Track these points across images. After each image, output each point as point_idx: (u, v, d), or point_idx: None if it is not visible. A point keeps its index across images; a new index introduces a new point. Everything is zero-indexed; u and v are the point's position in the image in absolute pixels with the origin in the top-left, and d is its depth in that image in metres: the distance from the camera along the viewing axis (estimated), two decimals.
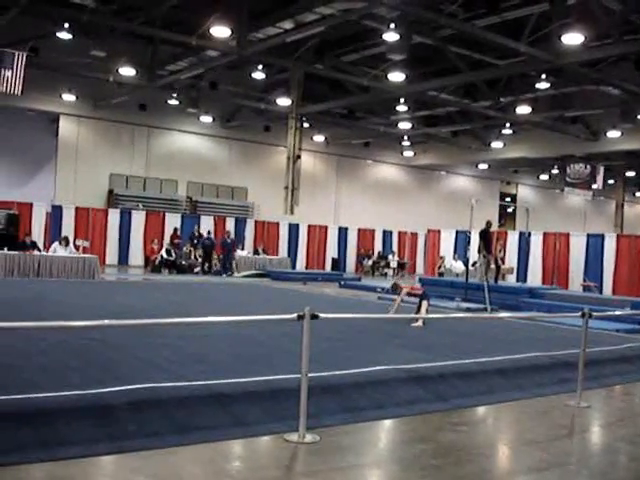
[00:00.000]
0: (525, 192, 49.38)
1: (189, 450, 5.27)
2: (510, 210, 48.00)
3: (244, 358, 8.09)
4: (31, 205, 26.68)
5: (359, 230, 35.66)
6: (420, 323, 12.34)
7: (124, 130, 32.34)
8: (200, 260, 27.45)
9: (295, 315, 5.55)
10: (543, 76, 24.62)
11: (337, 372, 7.05)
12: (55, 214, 27.40)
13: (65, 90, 29.03)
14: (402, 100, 29.72)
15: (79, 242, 22.79)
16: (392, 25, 19.68)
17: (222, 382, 6.41)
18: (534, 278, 24.85)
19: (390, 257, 34.88)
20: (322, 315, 5.68)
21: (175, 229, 28.60)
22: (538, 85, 25.42)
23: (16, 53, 21.25)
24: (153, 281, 22.43)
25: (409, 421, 6.43)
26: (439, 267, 27.57)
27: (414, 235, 36.72)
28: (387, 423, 6.40)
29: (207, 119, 33.22)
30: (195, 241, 28.02)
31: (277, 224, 32.31)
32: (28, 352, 7.65)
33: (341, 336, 9.92)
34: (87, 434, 5.20)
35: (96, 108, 30.98)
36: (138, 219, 29.47)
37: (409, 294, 13.49)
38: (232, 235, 28.90)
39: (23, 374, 6.61)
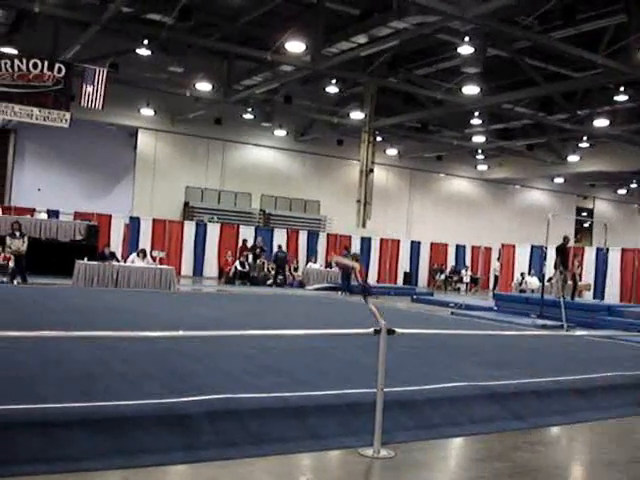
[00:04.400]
0: (602, 207, 48.20)
1: (264, 461, 5.31)
2: (587, 225, 46.93)
3: (318, 371, 8.12)
4: (110, 217, 27.42)
5: (432, 244, 35.42)
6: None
7: (200, 144, 32.96)
8: (273, 272, 27.69)
9: (372, 330, 5.55)
10: (621, 88, 24.06)
11: (412, 388, 7.01)
12: (133, 226, 28.09)
13: (144, 105, 29.80)
14: (476, 113, 29.47)
15: (155, 253, 23.26)
16: (467, 38, 19.61)
17: (297, 394, 6.45)
18: (611, 295, 24.22)
19: (463, 272, 34.49)
20: (399, 330, 5.66)
21: (244, 241, 28.90)
22: (616, 97, 24.86)
23: (97, 69, 21.90)
24: (227, 292, 22.73)
25: (484, 439, 6.33)
26: (520, 284, 27.07)
27: (488, 250, 36.24)
28: (462, 440, 6.32)
29: (281, 133, 33.59)
30: (258, 252, 28.25)
31: (349, 237, 32.36)
32: (108, 361, 7.85)
33: (414, 351, 9.86)
34: (165, 442, 5.30)
35: (173, 122, 31.70)
36: (213, 231, 29.96)
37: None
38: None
39: (103, 382, 6.79)
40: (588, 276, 25.26)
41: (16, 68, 20.78)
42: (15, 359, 7.44)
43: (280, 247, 28.73)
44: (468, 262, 35.83)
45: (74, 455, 5.00)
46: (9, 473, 4.67)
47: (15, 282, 20.29)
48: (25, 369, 7.14)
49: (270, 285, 26.95)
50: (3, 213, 24.22)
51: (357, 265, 13.97)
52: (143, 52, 23.08)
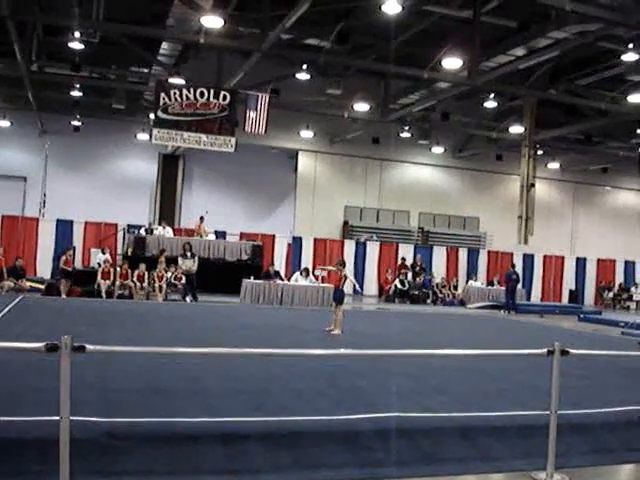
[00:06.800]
0: None
1: None
2: None
3: (484, 391, 8.06)
4: (273, 237, 28.33)
5: (598, 260, 34.00)
6: (338, 331, 13.51)
7: (358, 163, 33.38)
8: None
9: (545, 350, 5.45)
10: None
11: (586, 411, 6.82)
12: (295, 245, 28.86)
13: (303, 127, 30.57)
14: None
15: (317, 272, 23.78)
16: (630, 45, 18.84)
17: (466, 415, 6.44)
18: None
19: (633, 289, 32.82)
20: (572, 351, 5.53)
21: (402, 259, 29.02)
22: None
23: (259, 95, 22.77)
24: (387, 310, 22.84)
25: None
26: None
27: None
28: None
29: (439, 150, 33.43)
30: (417, 270, 28.25)
31: (511, 254, 31.64)
32: (283, 377, 8.14)
33: (583, 372, 9.53)
34: (339, 459, 5.45)
35: (332, 143, 32.32)
36: (372, 250, 30.25)
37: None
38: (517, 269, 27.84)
39: (278, 398, 7.07)
40: None
41: (184, 97, 22.00)
42: (192, 374, 7.88)
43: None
44: (638, 279, 34.07)
45: (252, 467, 5.24)
46: None
47: (187, 299, 21.41)
48: (202, 384, 7.56)
49: (433, 302, 27.11)
50: (174, 235, 25.59)
51: (343, 271, 14.63)
52: (302, 76, 23.77)
